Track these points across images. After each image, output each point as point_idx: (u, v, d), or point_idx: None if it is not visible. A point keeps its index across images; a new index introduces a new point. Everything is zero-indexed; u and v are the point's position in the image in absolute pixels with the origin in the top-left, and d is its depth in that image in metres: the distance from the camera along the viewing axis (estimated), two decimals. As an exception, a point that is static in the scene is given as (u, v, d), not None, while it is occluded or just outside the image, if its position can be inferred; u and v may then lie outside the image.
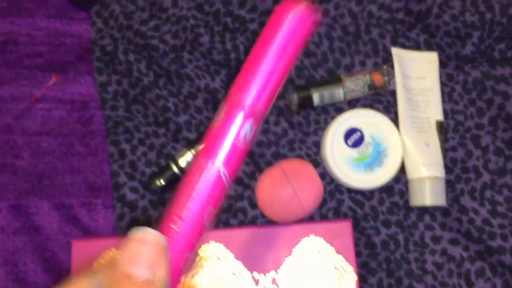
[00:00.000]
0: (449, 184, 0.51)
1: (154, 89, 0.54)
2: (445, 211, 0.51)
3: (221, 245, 0.48)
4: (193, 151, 0.50)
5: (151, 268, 0.21)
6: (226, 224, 0.51)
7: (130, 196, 0.51)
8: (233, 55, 0.54)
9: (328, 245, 0.48)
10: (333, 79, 0.52)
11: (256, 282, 0.48)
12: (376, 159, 0.50)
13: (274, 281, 0.48)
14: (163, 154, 0.52)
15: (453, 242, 0.50)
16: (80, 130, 0.53)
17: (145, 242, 0.21)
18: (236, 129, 0.27)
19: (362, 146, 0.50)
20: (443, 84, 0.53)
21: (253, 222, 0.51)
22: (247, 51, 0.54)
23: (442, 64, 0.53)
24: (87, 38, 0.56)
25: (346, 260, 0.48)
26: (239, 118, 0.27)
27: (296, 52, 0.27)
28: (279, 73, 0.27)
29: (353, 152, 0.50)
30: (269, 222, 0.51)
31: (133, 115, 0.53)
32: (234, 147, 0.27)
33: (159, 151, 0.52)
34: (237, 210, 0.51)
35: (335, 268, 0.48)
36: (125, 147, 0.52)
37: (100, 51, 0.55)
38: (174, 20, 0.55)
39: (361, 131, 0.50)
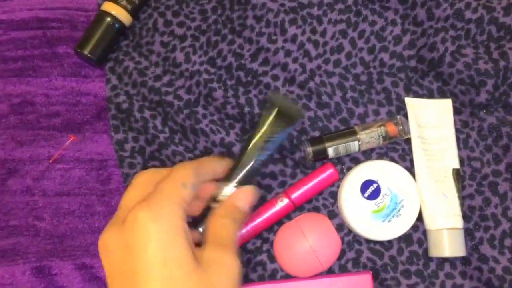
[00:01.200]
0: (468, 232, 0.52)
1: (170, 145, 0.55)
2: (465, 260, 0.51)
3: (243, 303, 0.49)
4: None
5: (249, 205, 0.44)
6: (246, 279, 0.52)
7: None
8: (246, 109, 0.55)
9: (349, 300, 0.49)
10: (347, 132, 0.53)
11: (279, 338, 0.49)
12: (394, 210, 0.51)
13: (296, 337, 0.49)
14: (181, 209, 0.54)
15: (474, 291, 0.50)
16: (99, 189, 0.55)
17: (249, 193, 0.44)
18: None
19: (379, 198, 0.51)
20: (458, 131, 0.54)
21: (272, 276, 0.52)
22: (261, 104, 0.55)
23: (457, 111, 0.54)
24: (102, 96, 0.58)
25: (368, 314, 0.49)
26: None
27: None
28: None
29: (370, 204, 0.51)
30: (289, 276, 0.52)
31: (150, 172, 0.55)
32: None
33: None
34: (257, 264, 0.52)
35: (357, 322, 0.49)
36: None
37: (115, 108, 0.57)
38: (187, 75, 0.57)
39: (377, 183, 0.51)
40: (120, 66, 0.58)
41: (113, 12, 0.58)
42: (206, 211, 0.44)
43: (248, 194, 0.44)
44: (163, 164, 0.55)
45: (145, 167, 0.55)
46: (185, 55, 0.58)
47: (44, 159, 0.55)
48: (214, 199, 0.44)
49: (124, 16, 0.58)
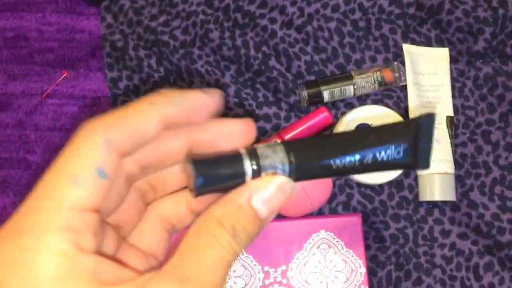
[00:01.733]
0: (459, 179, 0.52)
1: (165, 85, 0.55)
2: (454, 206, 0.52)
3: (233, 240, 0.50)
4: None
5: (271, 212, 0.23)
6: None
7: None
8: (243, 51, 0.55)
9: (338, 240, 0.50)
10: (344, 76, 0.53)
11: (267, 275, 0.50)
12: (386, 154, 0.51)
13: (284, 275, 0.50)
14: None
15: (462, 236, 0.51)
16: (91, 126, 0.55)
17: (285, 191, 0.24)
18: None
19: (372, 142, 0.51)
20: (454, 80, 0.54)
21: (263, 217, 0.53)
22: (257, 47, 0.55)
23: (453, 60, 0.54)
24: (97, 34, 0.57)
25: (356, 254, 0.50)
26: None
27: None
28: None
29: (363, 148, 0.51)
30: (279, 216, 0.52)
31: (144, 110, 0.55)
32: None
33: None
34: (248, 205, 0.53)
35: (345, 262, 0.49)
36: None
37: (110, 46, 0.57)
38: (184, 16, 0.57)
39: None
40: (116, 5, 0.58)
41: (110, -51, 0.57)
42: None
43: (285, 190, 0.24)
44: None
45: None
46: (182, -5, 0.57)
47: (36, 94, 0.55)
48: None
49: (121, -46, 0.58)
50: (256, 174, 0.24)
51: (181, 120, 0.23)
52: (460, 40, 0.54)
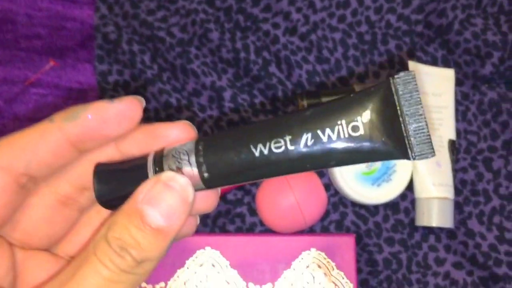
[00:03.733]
0: (457, 206, 0.51)
1: (158, 83, 0.53)
2: (451, 233, 0.51)
3: (217, 251, 0.47)
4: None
5: (168, 217, 0.20)
6: (223, 230, 0.50)
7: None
8: (242, 55, 0.53)
9: (329, 260, 0.48)
10: (346, 90, 0.51)
11: (251, 293, 0.48)
12: (385, 174, 0.49)
13: (269, 294, 0.47)
14: (162, 152, 0.51)
15: (457, 265, 0.50)
16: (75, 119, 0.52)
17: (172, 188, 0.20)
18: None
19: (371, 160, 0.49)
20: (457, 103, 0.53)
21: (251, 229, 0.50)
22: (257, 51, 0.53)
23: (458, 82, 0.54)
24: (90, 24, 0.55)
25: (346, 276, 0.48)
26: None
27: None
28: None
29: (361, 165, 0.49)
30: (268, 231, 0.50)
31: (133, 108, 0.52)
32: None
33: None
34: (236, 215, 0.50)
35: (334, 284, 0.47)
36: (123, 141, 0.51)
37: (102, 38, 0.54)
38: (183, 13, 0.55)
39: (371, 144, 0.50)
40: (112, -4, 0.56)
41: None
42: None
43: (173, 187, 0.20)
44: (146, 101, 0.53)
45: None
46: (183, -8, 0.55)
47: (19, 82, 0.52)
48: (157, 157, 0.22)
49: None
50: (157, 166, 0.21)
51: (89, 134, 0.21)
52: (467, 62, 0.53)
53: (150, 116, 0.52)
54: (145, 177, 0.20)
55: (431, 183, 0.50)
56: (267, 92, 0.53)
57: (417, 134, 0.18)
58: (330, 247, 0.48)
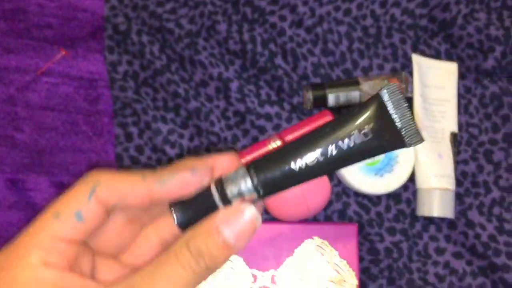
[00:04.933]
0: (458, 197, 0.52)
1: (166, 73, 0.54)
2: (451, 224, 0.52)
3: (223, 239, 0.49)
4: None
5: (238, 239, 0.25)
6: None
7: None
8: (249, 47, 0.54)
9: (332, 248, 0.49)
10: (350, 81, 0.53)
11: (255, 279, 0.49)
12: (387, 165, 0.51)
13: (273, 280, 0.49)
14: (169, 141, 0.53)
15: (457, 255, 0.51)
16: (86, 108, 0.53)
17: (244, 216, 0.26)
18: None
19: (374, 151, 0.51)
20: (460, 96, 0.54)
21: (256, 219, 0.52)
22: (264, 43, 0.54)
23: (461, 76, 0.55)
24: (100, 15, 0.56)
25: (349, 264, 0.49)
26: None
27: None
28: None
29: (364, 156, 0.50)
30: (273, 219, 0.51)
31: (142, 98, 0.54)
32: None
33: (166, 137, 0.53)
34: (241, 205, 0.52)
35: (337, 272, 0.49)
36: (132, 130, 0.52)
37: (112, 29, 0.55)
38: (192, 5, 0.56)
39: (374, 136, 0.51)
40: (122, -13, 0.57)
41: None
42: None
43: (254, 220, 0.26)
44: (155, 91, 0.54)
45: (136, 91, 0.54)
46: (191, -16, 0.56)
47: (31, 70, 0.54)
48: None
49: None
50: (226, 200, 0.26)
51: (167, 197, 0.27)
52: (469, 56, 0.54)
53: (158, 106, 0.54)
54: (213, 203, 0.26)
55: (432, 174, 0.51)
56: (273, 84, 0.54)
57: (407, 128, 0.25)
58: (332, 236, 0.50)
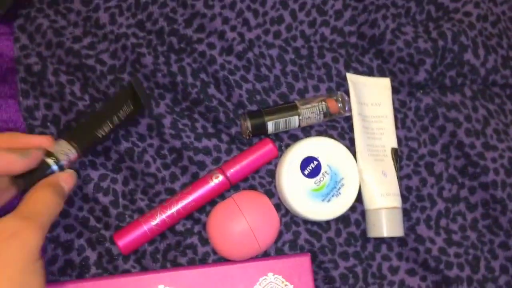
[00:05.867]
0: (405, 213, 0.52)
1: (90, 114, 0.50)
2: (401, 241, 0.52)
3: (172, 289, 0.45)
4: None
5: (69, 189, 0.44)
6: (175, 264, 0.48)
7: (65, 236, 0.47)
8: (179, 78, 0.51)
9: (287, 283, 0.47)
10: (288, 107, 0.51)
11: (210, 327, 0.46)
12: (334, 189, 0.49)
13: (229, 325, 0.46)
14: (101, 187, 0.48)
15: (411, 272, 0.51)
16: (2, 162, 0.48)
17: (72, 176, 0.45)
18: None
19: (319, 176, 0.49)
20: (396, 111, 0.54)
21: (204, 260, 0.49)
22: (194, 74, 0.52)
23: (395, 90, 0.55)
24: (9, 56, 0.51)
25: (306, 297, 0.47)
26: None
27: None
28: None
29: (310, 182, 0.49)
30: (222, 260, 0.49)
31: (66, 144, 0.49)
32: None
33: (97, 184, 0.48)
34: (186, 247, 0.49)
35: (295, 307, 0.47)
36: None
37: (25, 71, 0.51)
38: (112, 38, 0.52)
39: (318, 160, 0.50)
40: (32, 24, 0.52)
41: (25, -39, 0.52)
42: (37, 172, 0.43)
43: (73, 179, 0.44)
44: (81, 136, 0.50)
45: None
46: (110, 16, 0.53)
47: None
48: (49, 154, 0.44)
49: (38, -33, 0.52)
50: (59, 165, 0.44)
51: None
52: (401, 70, 0.55)
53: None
54: (48, 167, 0.44)
55: (379, 193, 0.50)
56: (208, 115, 0.52)
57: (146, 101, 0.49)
58: (286, 269, 0.48)
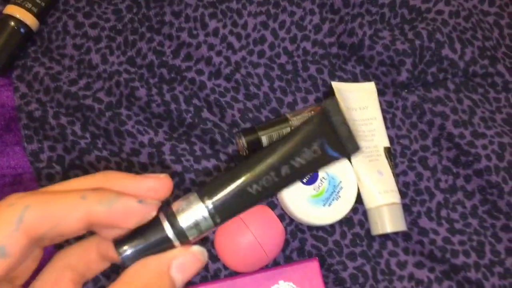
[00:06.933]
0: (406, 208, 0.53)
1: (93, 151, 0.52)
2: (406, 235, 0.53)
3: (188, 307, 0.47)
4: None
5: (186, 280, 0.25)
6: (188, 283, 0.50)
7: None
8: (173, 106, 0.54)
9: (299, 289, 0.49)
10: (280, 120, 0.53)
11: None
12: (333, 193, 0.51)
13: (248, 337, 0.47)
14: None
15: (418, 265, 0.52)
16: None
17: (200, 261, 0.25)
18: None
19: (317, 182, 0.51)
20: (384, 111, 0.56)
21: (216, 276, 0.50)
22: (187, 100, 0.54)
23: (380, 92, 0.57)
24: (11, 106, 0.54)
25: (319, 301, 0.48)
26: None
27: None
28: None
29: (309, 189, 0.51)
30: (233, 274, 0.50)
31: (73, 181, 0.51)
32: None
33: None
34: (199, 267, 0.50)
35: (309, 311, 0.48)
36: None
37: (27, 117, 0.53)
38: (106, 76, 0.55)
39: (314, 167, 0.51)
40: (29, 73, 0.55)
41: (17, 16, 0.55)
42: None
43: (200, 263, 0.25)
44: (85, 172, 0.52)
45: (65, 177, 0.52)
46: (101, 56, 0.56)
47: None
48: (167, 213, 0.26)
49: (30, 20, 0.56)
50: (180, 234, 0.25)
51: (108, 222, 0.23)
52: (384, 73, 0.57)
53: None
54: (166, 239, 0.25)
55: (377, 192, 0.52)
56: (204, 138, 0.54)
57: (348, 139, 0.26)
58: (296, 276, 0.49)
